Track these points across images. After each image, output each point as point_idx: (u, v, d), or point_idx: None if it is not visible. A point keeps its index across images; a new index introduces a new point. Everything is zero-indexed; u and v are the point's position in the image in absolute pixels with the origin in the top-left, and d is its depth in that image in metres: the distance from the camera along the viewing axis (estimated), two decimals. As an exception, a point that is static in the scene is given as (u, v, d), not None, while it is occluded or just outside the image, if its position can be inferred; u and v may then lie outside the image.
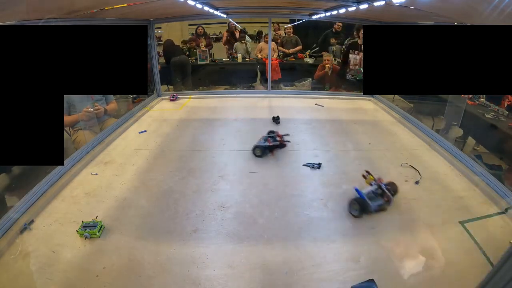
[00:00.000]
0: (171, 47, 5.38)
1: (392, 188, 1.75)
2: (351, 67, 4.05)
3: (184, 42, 5.77)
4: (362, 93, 4.07)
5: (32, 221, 1.57)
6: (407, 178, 2.00)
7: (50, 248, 1.40)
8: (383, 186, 1.70)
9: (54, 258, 1.35)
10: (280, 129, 2.82)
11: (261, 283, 1.25)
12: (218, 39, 10.74)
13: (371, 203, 1.62)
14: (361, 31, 3.88)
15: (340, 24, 5.13)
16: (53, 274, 1.27)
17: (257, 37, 7.06)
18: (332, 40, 5.27)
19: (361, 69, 3.95)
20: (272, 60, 4.30)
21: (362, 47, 3.89)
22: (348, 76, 4.12)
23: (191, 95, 3.94)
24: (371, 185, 1.73)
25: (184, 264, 1.33)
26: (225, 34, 6.00)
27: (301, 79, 4.97)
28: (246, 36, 6.14)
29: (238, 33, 6.02)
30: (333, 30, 5.29)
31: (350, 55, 4.04)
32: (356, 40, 4.07)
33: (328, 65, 4.48)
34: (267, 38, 4.57)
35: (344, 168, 2.14)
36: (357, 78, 4.04)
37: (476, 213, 1.67)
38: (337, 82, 4.44)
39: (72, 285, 1.23)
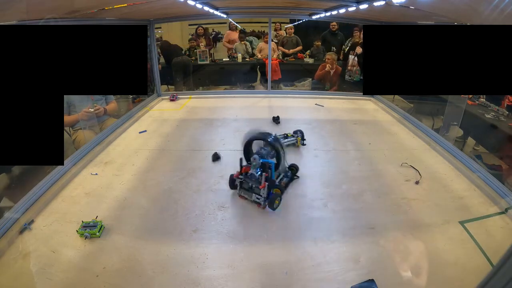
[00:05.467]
0: (168, 47, 5.39)
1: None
2: (349, 67, 4.05)
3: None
4: (362, 93, 4.08)
5: (32, 221, 1.57)
6: (407, 178, 2.00)
7: (50, 248, 1.40)
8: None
9: (54, 258, 1.35)
10: (280, 129, 2.83)
11: (261, 283, 1.25)
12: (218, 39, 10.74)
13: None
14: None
15: (335, 23, 5.13)
16: (53, 274, 1.27)
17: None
18: (317, 43, 5.26)
19: (359, 70, 3.97)
20: (272, 60, 4.31)
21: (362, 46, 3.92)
22: (346, 77, 4.13)
23: (191, 95, 3.94)
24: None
25: (184, 264, 1.33)
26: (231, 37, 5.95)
27: (301, 79, 4.97)
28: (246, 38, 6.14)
29: (238, 33, 6.02)
30: (330, 30, 5.28)
31: (350, 56, 4.04)
32: (358, 40, 4.07)
33: (329, 64, 4.47)
34: (266, 38, 4.57)
35: (344, 168, 2.14)
36: (354, 79, 4.06)
37: (476, 213, 1.67)
38: (337, 82, 4.45)
39: (72, 285, 1.23)
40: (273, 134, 1.82)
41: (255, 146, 1.86)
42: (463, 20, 2.24)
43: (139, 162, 2.21)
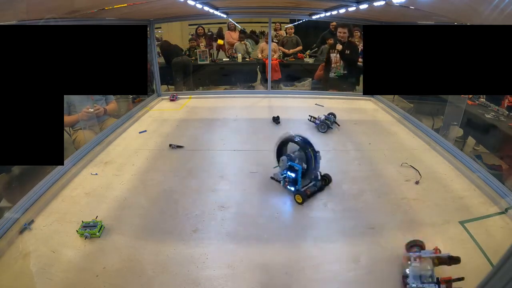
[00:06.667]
0: (168, 47, 5.40)
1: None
2: (333, 65, 4.13)
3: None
4: (358, 92, 4.09)
5: (32, 221, 1.57)
6: (407, 178, 2.00)
7: (50, 248, 1.40)
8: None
9: (54, 258, 1.35)
10: (280, 129, 2.83)
11: (261, 283, 1.25)
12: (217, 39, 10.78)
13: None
14: (338, 30, 4.00)
15: (335, 23, 5.14)
16: (53, 274, 1.27)
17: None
18: (329, 41, 5.27)
19: (341, 66, 4.06)
20: (272, 60, 4.31)
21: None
22: (331, 74, 4.19)
23: (191, 95, 3.94)
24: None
25: (184, 264, 1.33)
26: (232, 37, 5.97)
27: (301, 79, 4.97)
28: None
29: (237, 33, 6.03)
30: (330, 30, 5.28)
31: (331, 55, 4.11)
32: (334, 42, 4.20)
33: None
34: (267, 39, 4.57)
35: (344, 168, 2.14)
36: (337, 75, 4.13)
37: (476, 213, 1.67)
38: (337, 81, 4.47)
39: (72, 285, 1.23)
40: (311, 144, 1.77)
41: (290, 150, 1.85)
42: (463, 20, 2.24)
43: (139, 162, 2.21)
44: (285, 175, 1.74)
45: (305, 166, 1.72)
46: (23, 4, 1.39)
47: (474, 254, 1.38)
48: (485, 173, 1.94)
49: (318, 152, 1.74)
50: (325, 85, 4.46)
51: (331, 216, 1.65)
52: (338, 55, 4.01)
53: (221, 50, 6.15)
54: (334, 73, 4.15)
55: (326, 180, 1.87)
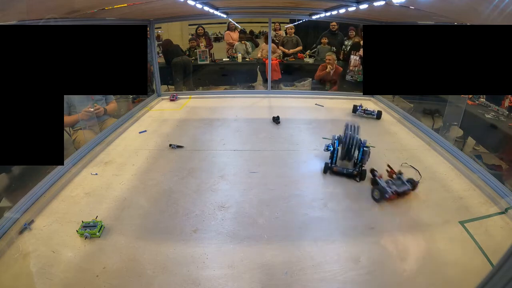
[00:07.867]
0: (169, 46, 5.40)
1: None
2: (351, 68, 4.04)
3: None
4: (362, 93, 4.08)
5: (32, 221, 1.57)
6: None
7: (50, 248, 1.40)
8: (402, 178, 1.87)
9: (54, 258, 1.35)
10: (281, 129, 2.83)
11: (261, 283, 1.25)
12: (217, 39, 10.83)
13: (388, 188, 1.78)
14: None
15: (335, 23, 5.14)
16: (53, 274, 1.27)
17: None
18: (323, 40, 5.26)
19: (361, 71, 3.96)
20: (272, 60, 4.31)
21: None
22: (348, 77, 4.10)
23: (191, 95, 3.94)
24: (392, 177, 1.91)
25: (184, 264, 1.33)
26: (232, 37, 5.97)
27: (301, 79, 4.97)
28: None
29: (237, 33, 6.03)
30: (330, 30, 5.28)
31: (352, 56, 4.02)
32: (359, 41, 4.08)
33: (330, 65, 4.47)
34: (266, 38, 4.56)
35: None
36: (358, 80, 4.02)
37: (476, 213, 1.67)
38: (338, 83, 4.45)
39: (72, 285, 1.23)
40: (361, 139, 2.02)
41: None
42: (463, 20, 2.24)
43: (139, 162, 2.21)
44: (327, 148, 2.08)
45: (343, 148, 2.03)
46: (23, 4, 1.39)
47: (474, 254, 1.38)
48: (485, 173, 1.94)
49: (366, 147, 1.98)
50: (340, 83, 4.31)
51: (331, 216, 1.65)
52: (359, 59, 3.92)
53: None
54: (352, 77, 4.07)
55: (360, 174, 1.98)
